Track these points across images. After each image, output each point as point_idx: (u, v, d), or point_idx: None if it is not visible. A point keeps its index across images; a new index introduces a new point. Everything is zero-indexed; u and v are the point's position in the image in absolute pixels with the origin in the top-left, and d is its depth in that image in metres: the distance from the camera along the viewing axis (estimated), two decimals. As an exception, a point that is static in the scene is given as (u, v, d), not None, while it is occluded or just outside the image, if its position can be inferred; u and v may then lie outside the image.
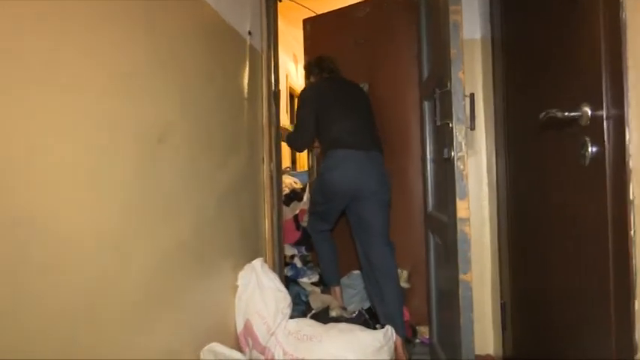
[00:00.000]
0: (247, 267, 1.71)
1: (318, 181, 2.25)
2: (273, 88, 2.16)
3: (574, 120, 1.03)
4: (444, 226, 1.59)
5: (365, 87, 2.49)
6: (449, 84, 1.42)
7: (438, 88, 1.54)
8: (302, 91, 2.38)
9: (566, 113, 1.02)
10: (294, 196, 2.85)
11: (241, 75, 1.81)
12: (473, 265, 1.37)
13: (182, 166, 1.26)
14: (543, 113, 1.05)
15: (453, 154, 1.40)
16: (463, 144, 1.38)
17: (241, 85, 1.81)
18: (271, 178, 2.14)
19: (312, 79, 2.45)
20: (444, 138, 1.54)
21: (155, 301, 1.08)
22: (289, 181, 2.97)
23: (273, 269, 2.07)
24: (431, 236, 1.94)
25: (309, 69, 2.47)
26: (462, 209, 1.34)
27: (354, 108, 2.24)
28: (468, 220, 1.33)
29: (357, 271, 2.44)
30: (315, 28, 2.69)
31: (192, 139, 1.33)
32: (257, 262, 1.72)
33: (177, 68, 1.23)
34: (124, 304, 0.96)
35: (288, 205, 2.83)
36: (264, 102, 2.10)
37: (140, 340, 1.01)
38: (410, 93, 2.31)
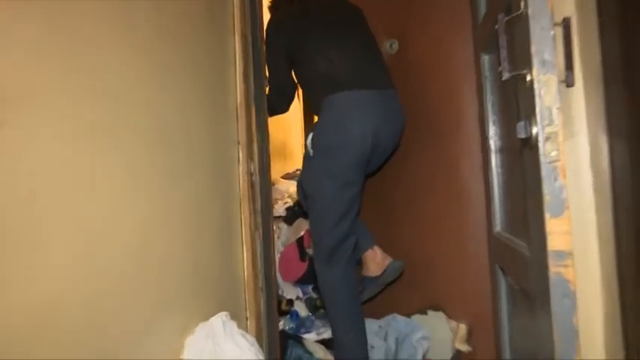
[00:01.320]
0: (200, 328, 1.33)
1: (322, 154, 1.82)
2: (251, 47, 1.73)
3: None
4: (522, 262, 1.11)
5: (394, 46, 2.07)
6: (523, 3, 0.94)
7: (503, 14, 1.06)
8: (266, 29, 1.97)
9: None
10: (300, 211, 2.39)
11: (191, 23, 1.42)
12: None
13: (45, 166, 0.84)
14: None
15: (535, 130, 0.92)
16: (554, 110, 0.89)
17: (191, 40, 1.41)
18: (251, 185, 1.71)
19: None
20: (516, 104, 1.06)
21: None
22: (294, 190, 2.52)
23: (256, 326, 1.66)
24: (500, 274, 1.45)
25: (274, 3, 2.12)
26: (556, 234, 0.84)
27: (347, 32, 1.89)
28: (570, 254, 0.83)
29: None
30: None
31: (67, 117, 0.91)
32: (217, 320, 1.34)
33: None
34: None
35: (290, 223, 2.39)
36: (239, 69, 1.67)
37: None
38: (459, 48, 1.93)
